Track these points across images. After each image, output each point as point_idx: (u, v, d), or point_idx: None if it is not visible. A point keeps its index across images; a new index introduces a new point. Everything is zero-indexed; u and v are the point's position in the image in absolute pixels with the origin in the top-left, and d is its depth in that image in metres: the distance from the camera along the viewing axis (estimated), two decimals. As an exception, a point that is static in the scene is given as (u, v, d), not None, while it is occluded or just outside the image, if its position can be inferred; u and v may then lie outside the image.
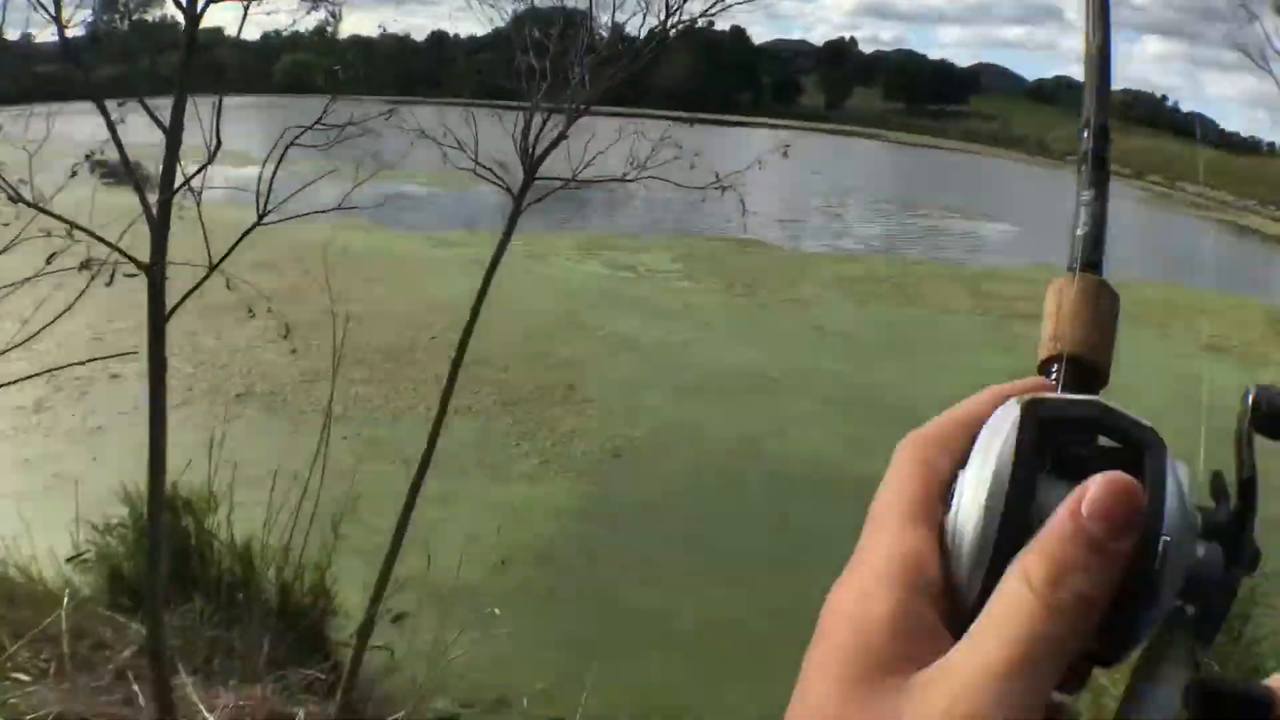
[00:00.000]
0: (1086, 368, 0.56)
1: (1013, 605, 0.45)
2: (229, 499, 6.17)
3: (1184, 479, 0.48)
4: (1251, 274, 29.48)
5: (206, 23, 3.80)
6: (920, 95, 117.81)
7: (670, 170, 5.79)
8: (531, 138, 5.11)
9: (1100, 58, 0.62)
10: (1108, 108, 0.62)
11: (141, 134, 3.80)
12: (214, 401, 11.02)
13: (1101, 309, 0.58)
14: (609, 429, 10.99)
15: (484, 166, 5.14)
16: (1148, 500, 0.46)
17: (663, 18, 5.51)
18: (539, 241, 21.26)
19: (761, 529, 8.84)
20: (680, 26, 5.57)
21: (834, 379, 13.51)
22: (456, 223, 22.77)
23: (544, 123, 5.10)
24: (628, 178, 5.50)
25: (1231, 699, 0.44)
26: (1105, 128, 0.61)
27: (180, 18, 3.76)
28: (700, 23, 5.80)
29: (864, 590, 0.48)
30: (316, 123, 4.10)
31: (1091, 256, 0.59)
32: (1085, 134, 0.61)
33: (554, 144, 5.18)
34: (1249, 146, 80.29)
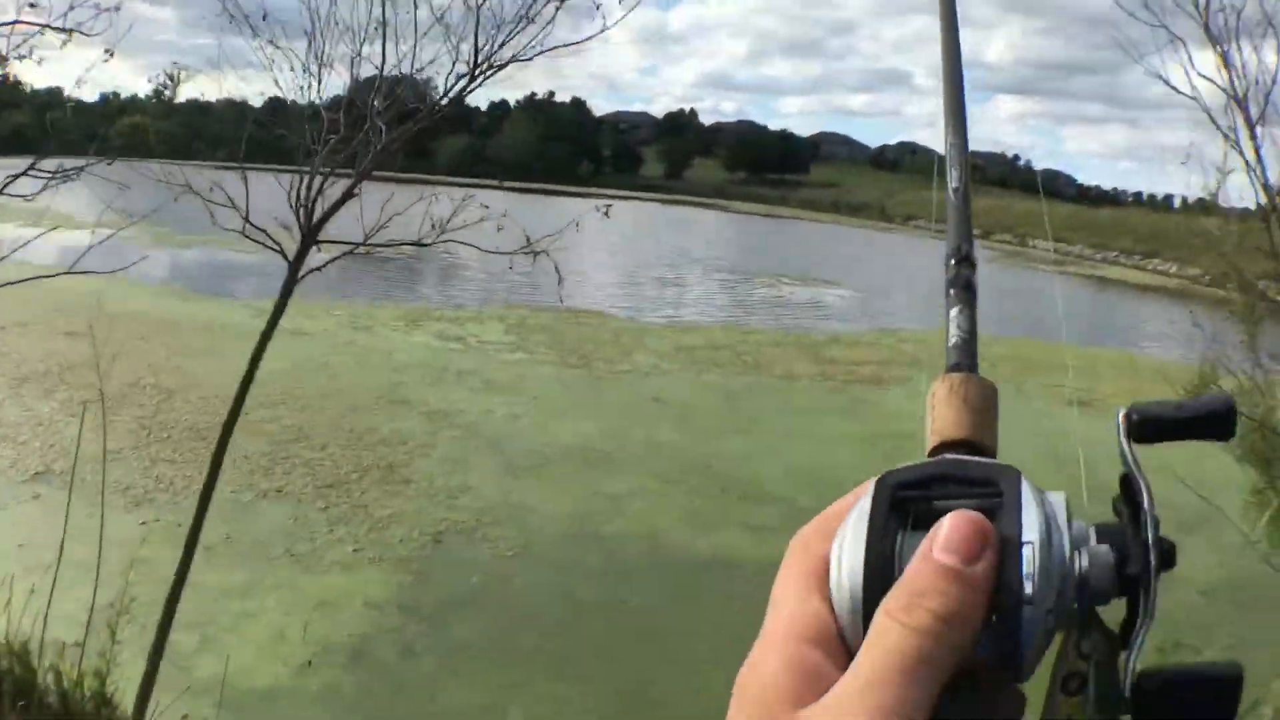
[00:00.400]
0: (971, 448, 0.58)
1: (877, 633, 0.48)
2: (10, 592, 5.56)
3: (1057, 499, 0.52)
4: (1117, 324, 30.23)
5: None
6: (761, 165, 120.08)
7: (480, 236, 5.38)
8: (311, 196, 4.54)
9: (960, 198, 0.68)
10: (970, 240, 0.66)
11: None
12: (11, 480, 10.35)
13: (973, 397, 0.60)
14: (430, 512, 10.33)
15: (255, 227, 4.54)
16: (1005, 519, 0.50)
17: (470, 66, 5.11)
18: (364, 314, 20.86)
19: (596, 615, 8.36)
20: (487, 76, 5.19)
21: (672, 451, 13.08)
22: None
23: (324, 181, 4.53)
24: (424, 242, 4.96)
25: (1181, 684, 0.48)
26: (970, 257, 0.66)
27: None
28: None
29: (761, 656, 0.51)
30: (27, 171, 3.54)
31: (963, 361, 0.62)
32: (952, 262, 0.66)
33: (339, 203, 4.64)
34: (1111, 199, 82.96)
